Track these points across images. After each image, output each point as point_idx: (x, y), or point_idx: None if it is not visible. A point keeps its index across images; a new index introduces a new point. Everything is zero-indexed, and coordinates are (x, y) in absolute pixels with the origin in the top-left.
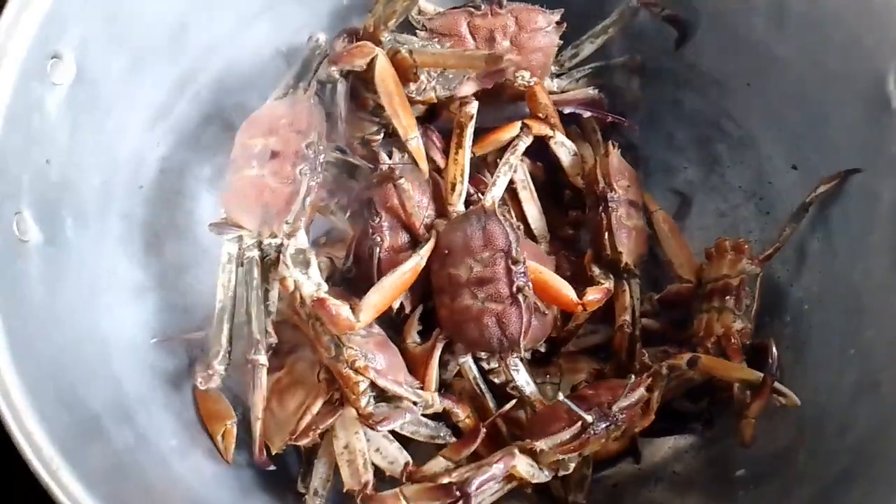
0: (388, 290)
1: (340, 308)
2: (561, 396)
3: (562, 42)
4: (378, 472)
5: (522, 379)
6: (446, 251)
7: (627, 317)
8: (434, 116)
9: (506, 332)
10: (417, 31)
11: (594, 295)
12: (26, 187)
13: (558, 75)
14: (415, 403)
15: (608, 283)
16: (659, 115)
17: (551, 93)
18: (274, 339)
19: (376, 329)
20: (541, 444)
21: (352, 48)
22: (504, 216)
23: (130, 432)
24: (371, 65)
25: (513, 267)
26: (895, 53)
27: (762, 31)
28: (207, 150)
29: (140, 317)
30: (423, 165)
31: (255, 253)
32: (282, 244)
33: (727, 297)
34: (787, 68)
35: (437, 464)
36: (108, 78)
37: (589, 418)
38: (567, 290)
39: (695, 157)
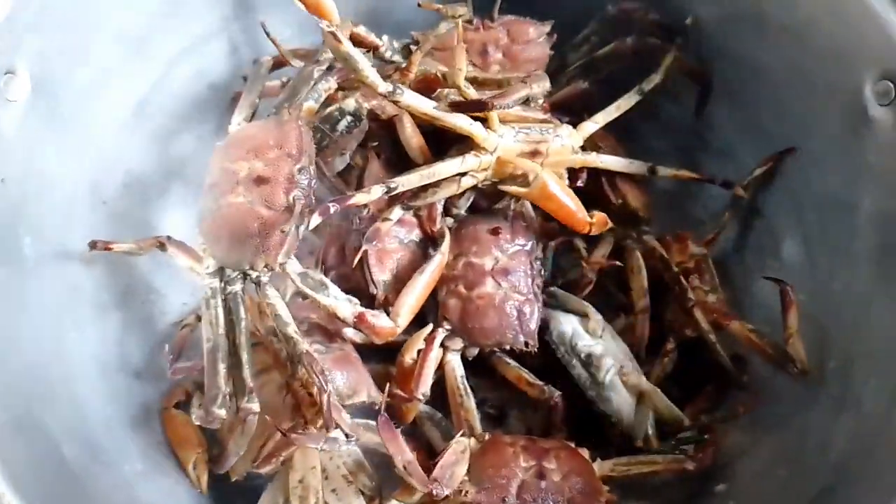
0: (421, 290)
1: (379, 318)
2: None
3: (553, 52)
4: None
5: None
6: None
7: (646, 300)
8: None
9: (523, 324)
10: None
11: (598, 217)
12: None
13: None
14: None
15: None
16: (636, 124)
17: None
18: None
19: (336, 344)
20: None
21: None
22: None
23: (91, 457)
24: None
25: (534, 263)
26: (872, 63)
27: (742, 40)
28: (173, 165)
29: (105, 336)
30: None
31: (239, 287)
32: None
33: (691, 277)
34: (766, 77)
35: None
36: (67, 92)
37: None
38: (578, 209)
39: (674, 165)
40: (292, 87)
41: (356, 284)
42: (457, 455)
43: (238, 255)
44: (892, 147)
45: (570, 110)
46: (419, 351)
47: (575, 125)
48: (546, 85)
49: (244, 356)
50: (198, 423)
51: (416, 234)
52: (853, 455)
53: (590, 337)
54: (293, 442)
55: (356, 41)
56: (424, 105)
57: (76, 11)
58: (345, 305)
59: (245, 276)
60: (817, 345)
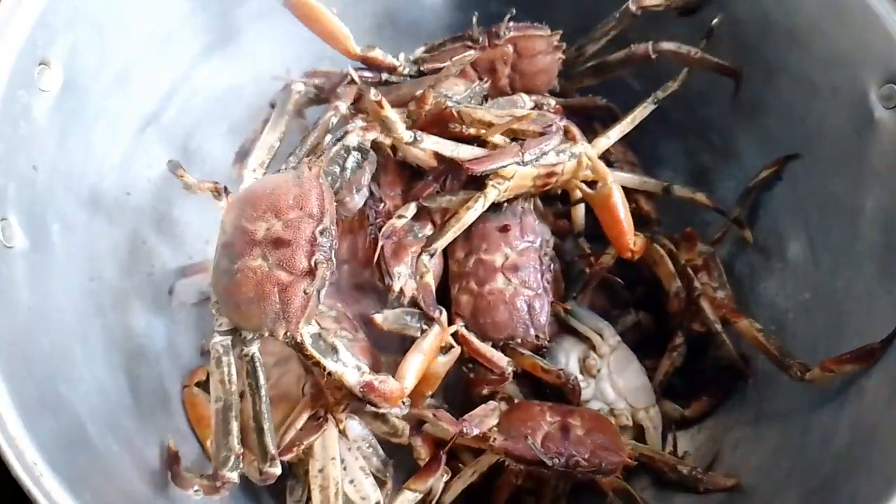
0: (421, 360)
1: (386, 382)
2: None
3: (563, 57)
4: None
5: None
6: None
7: (678, 283)
8: None
9: (533, 318)
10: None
11: (639, 242)
12: (12, 194)
13: (560, 75)
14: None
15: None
16: (644, 126)
17: (554, 94)
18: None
19: (361, 334)
20: (499, 442)
21: (378, 119)
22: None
23: (115, 438)
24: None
25: (543, 259)
26: (876, 67)
27: (747, 45)
28: (193, 159)
29: (126, 321)
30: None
31: (255, 349)
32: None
33: (699, 275)
34: (772, 81)
35: (405, 499)
36: (96, 86)
37: (550, 462)
38: (629, 232)
39: (681, 167)
40: (313, 138)
41: (367, 279)
42: (487, 411)
43: (257, 322)
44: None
45: (580, 114)
46: (443, 347)
47: (584, 130)
48: (558, 142)
49: (265, 424)
50: (201, 495)
51: (429, 229)
52: (855, 446)
53: (582, 376)
54: (314, 431)
55: (374, 64)
56: (445, 149)
57: (108, 9)
58: (352, 373)
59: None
60: (821, 340)
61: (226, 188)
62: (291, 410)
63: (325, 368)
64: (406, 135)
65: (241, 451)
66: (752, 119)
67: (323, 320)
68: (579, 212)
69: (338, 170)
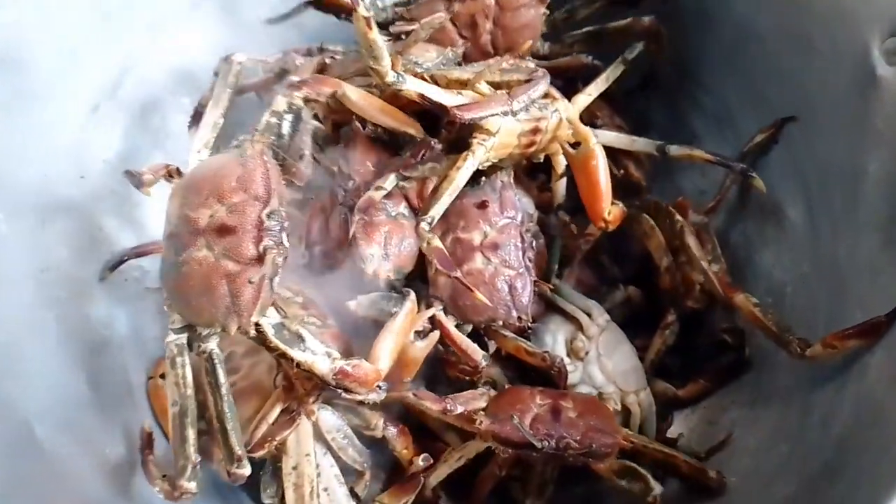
0: (395, 335)
1: (359, 366)
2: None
3: (548, 12)
4: None
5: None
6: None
7: (669, 257)
8: None
9: (515, 299)
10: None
11: (615, 211)
12: None
13: (547, 38)
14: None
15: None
16: (630, 89)
17: (541, 57)
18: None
19: (331, 320)
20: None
21: (315, 78)
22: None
23: (70, 438)
24: (335, 96)
25: (524, 235)
26: (879, 19)
27: (739, 1)
28: (154, 138)
29: (84, 313)
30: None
31: (214, 345)
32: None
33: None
34: (765, 39)
35: None
36: (41, 64)
37: (539, 445)
38: (606, 199)
39: (671, 133)
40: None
41: (341, 260)
42: (475, 395)
43: (208, 317)
44: None
45: (563, 76)
46: (417, 332)
47: (567, 93)
48: (546, 87)
49: (229, 424)
50: (162, 496)
51: (404, 207)
52: (857, 429)
53: (569, 358)
54: (287, 426)
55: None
56: (431, 92)
57: None
58: (322, 361)
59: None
60: (821, 315)
61: (178, 169)
62: (263, 403)
63: (292, 359)
64: (390, 74)
65: (199, 459)
66: (747, 80)
67: (289, 307)
68: (560, 185)
69: (275, 140)
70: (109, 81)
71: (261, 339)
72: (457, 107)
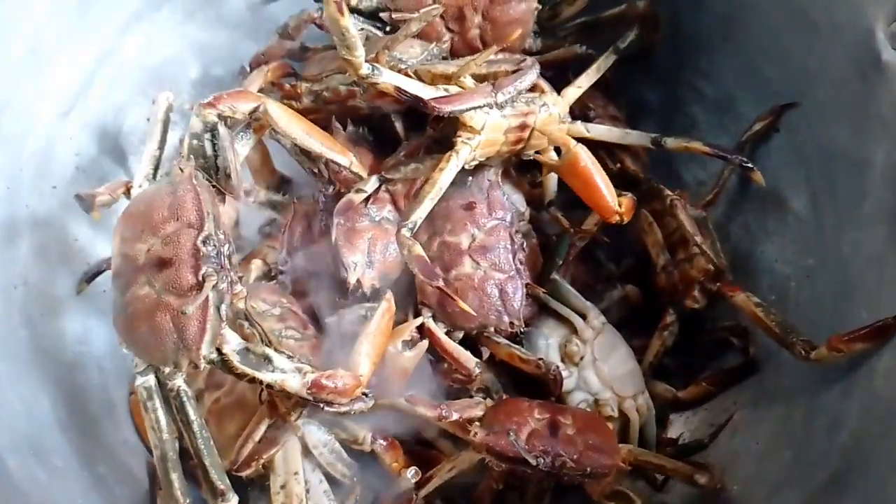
0: (374, 336)
1: (336, 378)
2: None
3: (540, 7)
4: None
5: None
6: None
7: (666, 255)
8: None
9: (506, 303)
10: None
11: (625, 203)
12: None
13: (540, 34)
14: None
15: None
16: (625, 77)
17: (533, 53)
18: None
19: (311, 331)
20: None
21: (232, 93)
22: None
23: (42, 466)
24: (257, 112)
25: (514, 236)
26: (885, 5)
27: None
28: (128, 141)
29: (61, 331)
30: (364, 174)
31: (181, 381)
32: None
33: (691, 245)
34: (766, 21)
35: None
36: (4, 68)
37: (534, 461)
38: (608, 194)
39: (669, 121)
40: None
41: (324, 266)
42: (471, 405)
43: (159, 356)
44: None
45: (555, 68)
46: (405, 342)
47: (557, 86)
48: (535, 77)
49: (207, 459)
50: None
51: (388, 211)
52: (865, 438)
53: (563, 364)
54: (273, 444)
55: None
56: (407, 85)
57: None
58: (293, 379)
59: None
60: (826, 311)
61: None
62: (249, 419)
63: (261, 382)
64: (364, 66)
65: (188, 501)
66: (747, 65)
67: (265, 321)
68: (551, 179)
69: (204, 161)
70: (76, 85)
71: (227, 367)
72: (435, 99)
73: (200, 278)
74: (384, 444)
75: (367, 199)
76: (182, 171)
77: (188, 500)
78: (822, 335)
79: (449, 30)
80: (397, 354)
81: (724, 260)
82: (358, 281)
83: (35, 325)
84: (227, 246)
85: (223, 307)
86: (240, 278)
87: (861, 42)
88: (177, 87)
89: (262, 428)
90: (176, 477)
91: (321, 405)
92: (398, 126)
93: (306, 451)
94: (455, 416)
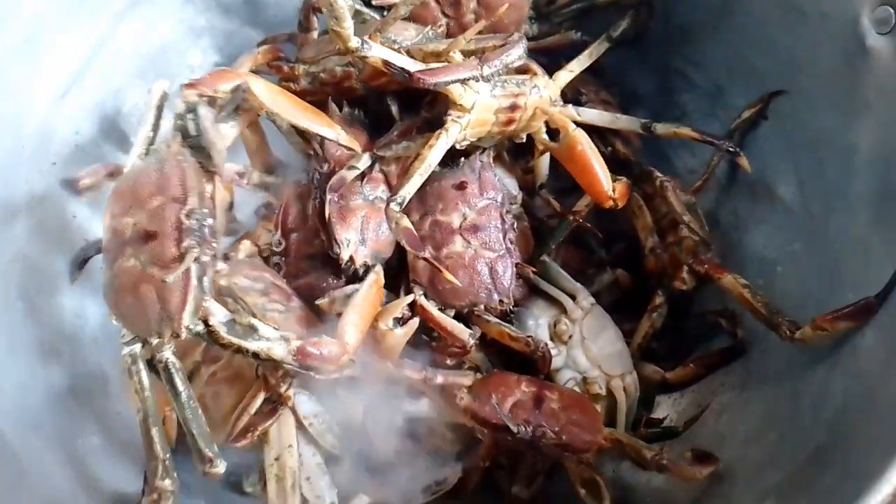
0: (361, 306)
1: (322, 345)
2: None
3: None
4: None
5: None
6: (432, 198)
7: (654, 238)
8: None
9: (496, 282)
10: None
11: (619, 188)
12: None
13: (536, 19)
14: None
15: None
16: (617, 65)
17: (530, 38)
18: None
19: (295, 303)
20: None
21: (213, 73)
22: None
23: (37, 436)
24: (239, 91)
25: (505, 216)
26: None
27: None
28: (127, 123)
29: (56, 303)
30: (357, 147)
31: (169, 353)
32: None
33: (679, 227)
34: (755, 11)
35: (360, 502)
36: (4, 50)
37: (514, 429)
38: (604, 178)
39: (659, 109)
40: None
41: (319, 248)
42: (461, 374)
43: (145, 326)
44: (892, 80)
45: (549, 54)
46: (395, 319)
47: (550, 72)
48: (522, 52)
49: (195, 429)
50: None
51: (381, 191)
52: (849, 412)
53: (552, 342)
54: (269, 416)
55: None
56: (395, 59)
57: None
58: (279, 346)
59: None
60: (812, 294)
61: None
62: (245, 392)
63: (247, 351)
64: (353, 39)
65: (168, 455)
66: (737, 54)
67: (247, 296)
68: (543, 162)
69: (191, 140)
70: (74, 69)
71: (213, 338)
72: (421, 72)
73: (183, 250)
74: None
75: (361, 178)
76: (169, 148)
77: (167, 455)
78: (808, 317)
79: (445, 15)
80: (388, 332)
81: (713, 244)
82: (351, 258)
83: (32, 299)
84: (210, 220)
85: (206, 279)
86: (226, 257)
87: (847, 28)
88: (174, 73)
89: (258, 401)
90: (156, 432)
91: (308, 372)
92: (393, 108)
93: (300, 425)
94: (440, 380)
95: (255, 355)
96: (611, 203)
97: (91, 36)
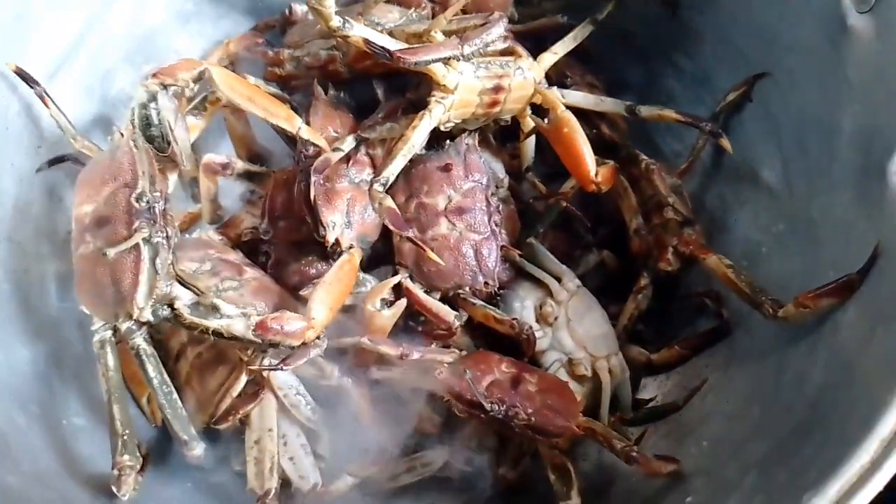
0: (332, 284)
1: (282, 320)
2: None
3: None
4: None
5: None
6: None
7: (639, 219)
8: None
9: (481, 264)
10: None
11: (604, 171)
12: None
13: (522, 2)
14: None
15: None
16: (603, 50)
17: (516, 22)
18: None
19: (249, 273)
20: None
21: (175, 63)
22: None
23: (23, 413)
24: (202, 78)
25: (490, 199)
26: None
27: None
28: (116, 107)
29: (42, 282)
30: (323, 144)
31: (140, 340)
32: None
33: (665, 210)
34: None
35: (344, 483)
36: None
37: (488, 406)
38: (589, 162)
39: (645, 94)
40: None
41: (306, 234)
42: (444, 352)
43: (105, 312)
44: (873, 59)
45: (535, 38)
46: (383, 300)
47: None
48: (502, 30)
49: (169, 413)
50: (118, 491)
51: (367, 174)
52: (828, 388)
53: (538, 324)
54: (251, 400)
55: None
56: (378, 39)
57: None
58: (239, 322)
59: (140, 324)
60: (796, 273)
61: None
62: (230, 373)
63: (209, 330)
64: (335, 18)
65: (128, 431)
66: (721, 36)
67: (198, 281)
68: (528, 145)
69: (153, 129)
70: (62, 49)
71: (178, 321)
72: (401, 51)
73: (133, 231)
74: (350, 379)
75: (346, 161)
76: (122, 137)
77: (127, 432)
78: (791, 296)
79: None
80: (375, 313)
81: (699, 227)
82: (336, 240)
83: (18, 280)
84: (161, 203)
85: (159, 261)
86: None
87: (829, 8)
88: (161, 57)
89: (241, 383)
90: (118, 410)
91: (270, 347)
92: (379, 91)
93: (282, 407)
94: (416, 356)
95: (218, 334)
96: (594, 187)
97: (79, 17)
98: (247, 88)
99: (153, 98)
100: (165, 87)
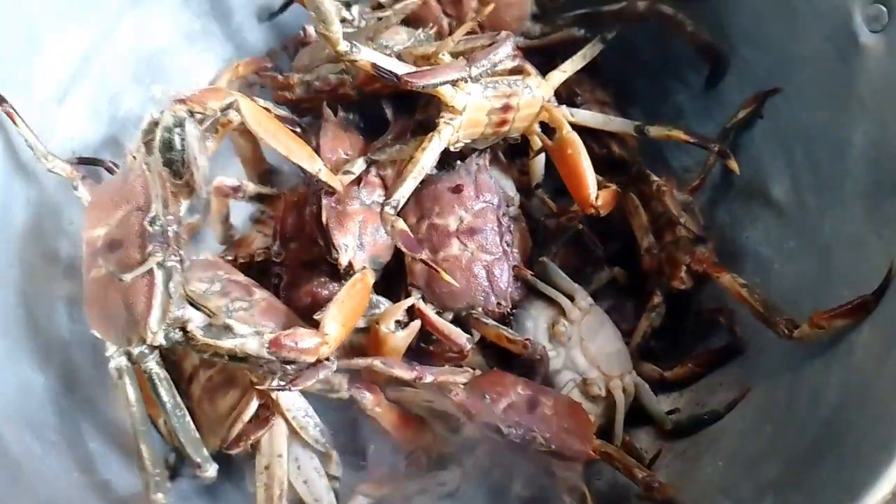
0: (345, 301)
1: (297, 336)
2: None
3: None
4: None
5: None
6: (428, 201)
7: (650, 237)
8: None
9: (493, 284)
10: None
11: (605, 195)
12: None
13: (539, 18)
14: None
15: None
16: (612, 64)
17: (532, 37)
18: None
19: (258, 294)
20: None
21: (204, 90)
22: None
23: (37, 439)
24: (230, 109)
25: (502, 219)
26: None
27: None
28: (127, 124)
29: (58, 308)
30: (339, 187)
31: (153, 363)
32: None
33: (677, 228)
34: (749, 8)
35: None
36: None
37: (505, 430)
38: (591, 184)
39: (655, 109)
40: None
41: (318, 254)
42: (457, 372)
43: (117, 335)
44: (884, 77)
45: (549, 54)
46: (397, 322)
47: (545, 73)
48: (509, 50)
49: (182, 436)
50: None
51: (378, 195)
52: (843, 409)
53: (551, 344)
54: (261, 425)
55: None
56: (383, 61)
57: None
58: (252, 341)
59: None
60: (808, 290)
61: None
62: (241, 396)
63: (223, 350)
64: (342, 43)
65: (159, 472)
66: (731, 52)
67: (209, 301)
68: (538, 163)
69: (174, 156)
70: (71, 70)
71: (190, 344)
72: (409, 74)
73: (146, 255)
74: (363, 390)
75: (358, 183)
76: (135, 158)
77: (157, 471)
78: (803, 315)
79: (446, 14)
80: (390, 335)
81: (710, 244)
82: (349, 263)
83: (30, 303)
84: (175, 226)
85: (172, 284)
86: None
87: (840, 25)
88: (169, 77)
89: (252, 408)
90: (146, 448)
91: (285, 364)
92: (388, 111)
93: (294, 432)
94: (430, 378)
95: (232, 354)
96: (593, 211)
97: (87, 38)
98: (272, 124)
99: (180, 124)
100: (192, 113)
